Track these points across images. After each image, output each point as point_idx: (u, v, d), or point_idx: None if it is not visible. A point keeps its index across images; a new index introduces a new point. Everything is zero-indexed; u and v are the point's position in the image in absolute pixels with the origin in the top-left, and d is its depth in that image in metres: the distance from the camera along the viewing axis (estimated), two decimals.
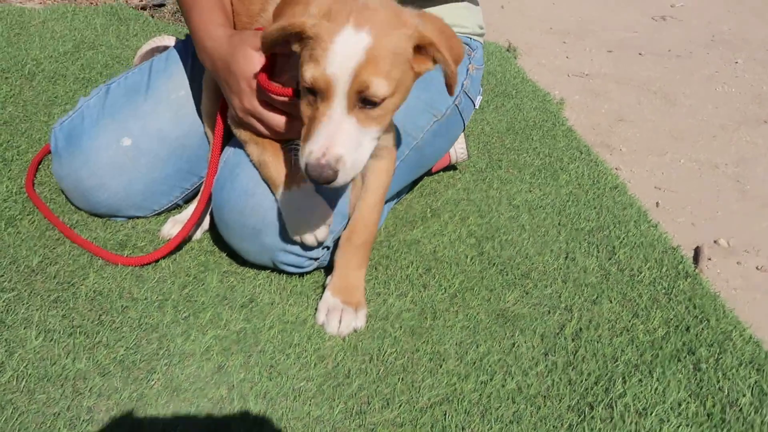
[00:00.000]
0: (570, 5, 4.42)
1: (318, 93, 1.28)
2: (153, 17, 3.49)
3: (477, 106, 2.16)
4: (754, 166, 2.58)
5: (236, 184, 1.67)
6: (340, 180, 1.28)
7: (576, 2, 4.50)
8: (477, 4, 2.14)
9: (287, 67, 1.51)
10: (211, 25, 1.65)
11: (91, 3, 3.64)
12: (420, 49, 1.31)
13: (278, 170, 1.61)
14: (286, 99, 1.49)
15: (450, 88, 1.36)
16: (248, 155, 1.67)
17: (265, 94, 1.53)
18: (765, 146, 2.73)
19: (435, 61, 1.34)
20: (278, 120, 1.56)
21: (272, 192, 1.64)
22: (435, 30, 1.31)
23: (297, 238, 1.63)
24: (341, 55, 1.24)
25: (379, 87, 1.26)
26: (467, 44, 2.08)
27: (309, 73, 1.26)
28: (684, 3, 4.61)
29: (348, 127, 1.27)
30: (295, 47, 1.34)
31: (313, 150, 1.27)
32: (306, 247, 1.67)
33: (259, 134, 1.62)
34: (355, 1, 1.31)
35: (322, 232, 1.62)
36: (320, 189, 1.62)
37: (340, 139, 1.27)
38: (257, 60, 1.53)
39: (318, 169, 1.26)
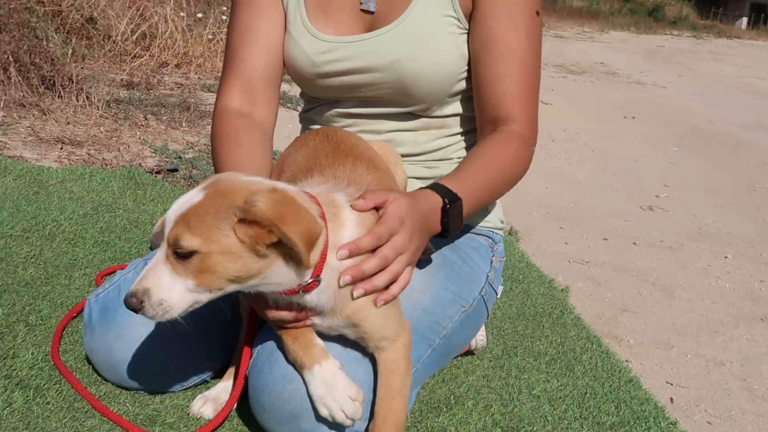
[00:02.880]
0: (561, 190, 4.64)
1: None
2: (167, 182, 3.59)
3: (498, 296, 2.23)
4: (759, 364, 2.65)
5: (275, 368, 1.69)
6: (148, 312, 1.42)
7: (566, 188, 4.72)
8: (498, 201, 2.26)
9: None
10: None
11: (106, 165, 3.75)
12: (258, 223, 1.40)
13: (300, 353, 1.64)
14: None
15: (299, 262, 1.44)
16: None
17: None
18: (765, 345, 2.82)
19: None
20: (275, 316, 1.61)
21: (301, 374, 1.66)
22: (273, 206, 1.39)
23: (327, 415, 1.63)
24: (172, 209, 1.43)
25: (185, 239, 1.39)
26: (490, 237, 2.18)
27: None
28: (668, 194, 4.86)
29: (160, 268, 1.42)
30: None
31: (134, 282, 1.43)
32: (339, 427, 1.66)
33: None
34: (229, 175, 1.51)
35: (350, 408, 1.62)
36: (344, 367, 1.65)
37: (151, 276, 1.42)
38: None
39: (127, 296, 1.43)
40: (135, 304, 1.42)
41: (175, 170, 3.80)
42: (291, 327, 1.64)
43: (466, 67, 1.98)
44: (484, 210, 2.19)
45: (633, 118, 7.61)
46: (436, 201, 1.69)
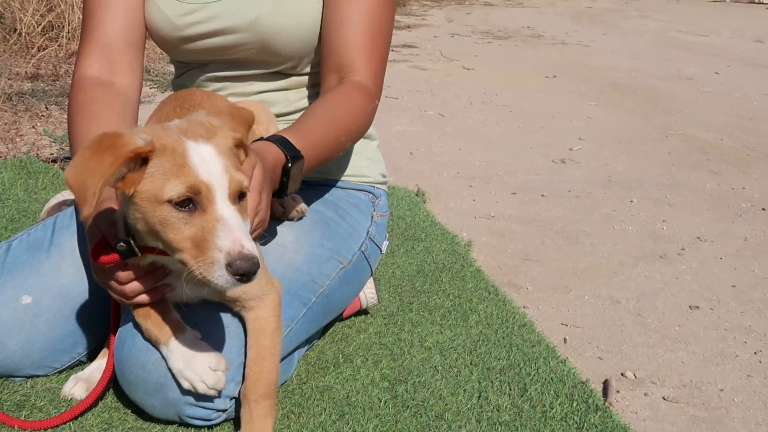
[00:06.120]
0: (476, 151, 4.64)
1: (196, 202, 1.30)
2: (63, 170, 3.49)
3: (384, 251, 2.21)
4: (653, 299, 2.69)
5: (137, 339, 1.64)
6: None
7: (481, 148, 4.72)
8: (379, 156, 2.24)
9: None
10: None
11: (0, 158, 3.63)
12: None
13: (154, 330, 1.60)
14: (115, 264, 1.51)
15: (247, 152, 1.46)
16: None
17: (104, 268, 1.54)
18: (662, 281, 2.86)
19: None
20: (129, 288, 1.55)
21: (158, 350, 1.61)
22: (235, 124, 1.44)
23: (189, 387, 1.59)
24: (203, 162, 1.31)
25: (244, 180, 1.35)
26: (371, 192, 2.16)
27: (181, 185, 1.29)
28: (582, 146, 4.90)
29: (241, 223, 1.31)
30: (123, 186, 1.32)
31: (229, 249, 1.27)
32: (203, 397, 1.63)
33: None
34: (168, 126, 1.38)
35: (211, 379, 1.58)
36: (206, 336, 1.62)
37: (244, 234, 1.30)
38: (93, 236, 1.55)
39: (248, 260, 1.26)
40: (257, 266, 1.28)
41: None
42: (147, 303, 1.60)
43: None
44: (364, 165, 2.16)
45: (554, 77, 7.65)
46: (280, 158, 1.64)
